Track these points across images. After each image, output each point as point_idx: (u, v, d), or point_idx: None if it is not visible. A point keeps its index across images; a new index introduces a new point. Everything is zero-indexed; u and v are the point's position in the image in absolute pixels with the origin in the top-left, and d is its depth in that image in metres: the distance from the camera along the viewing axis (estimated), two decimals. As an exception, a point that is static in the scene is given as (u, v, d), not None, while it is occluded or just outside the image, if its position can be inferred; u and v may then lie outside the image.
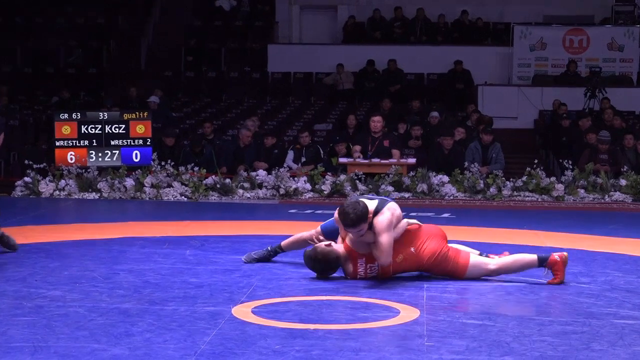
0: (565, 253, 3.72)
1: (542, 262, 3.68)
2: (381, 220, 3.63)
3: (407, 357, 2.62)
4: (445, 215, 6.38)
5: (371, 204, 3.72)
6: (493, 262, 3.73)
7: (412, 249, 3.74)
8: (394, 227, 3.69)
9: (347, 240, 3.78)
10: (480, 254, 3.87)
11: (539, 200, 7.55)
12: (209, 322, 3.00)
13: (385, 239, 3.63)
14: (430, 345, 2.75)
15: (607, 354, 2.69)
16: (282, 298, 3.45)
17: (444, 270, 3.75)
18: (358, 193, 7.60)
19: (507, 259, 3.76)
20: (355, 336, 2.87)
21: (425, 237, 3.77)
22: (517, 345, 2.76)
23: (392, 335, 2.90)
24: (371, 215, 3.66)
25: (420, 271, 3.82)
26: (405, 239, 3.76)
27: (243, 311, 3.18)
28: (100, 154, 7.95)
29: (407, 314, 3.18)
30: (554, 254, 3.70)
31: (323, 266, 3.79)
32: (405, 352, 2.67)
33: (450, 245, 3.82)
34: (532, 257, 3.75)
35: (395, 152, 8.14)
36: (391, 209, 3.70)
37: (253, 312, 3.18)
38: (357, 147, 8.10)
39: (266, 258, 4.15)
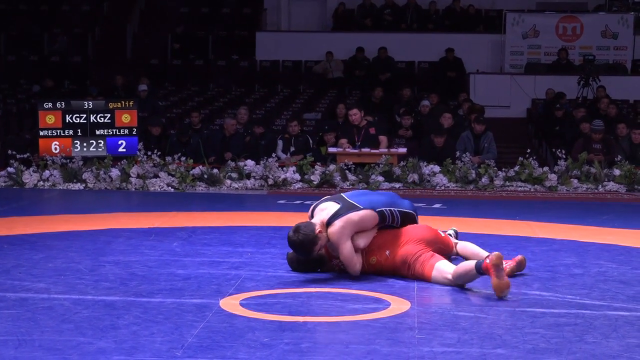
0: (496, 253, 3.22)
1: (479, 271, 3.30)
2: (331, 233, 3.53)
3: (398, 350, 2.58)
4: (437, 205, 6.35)
5: (329, 211, 3.56)
6: (451, 271, 3.45)
7: (387, 252, 3.61)
8: (355, 230, 3.55)
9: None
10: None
11: (532, 190, 7.52)
12: (196, 315, 2.95)
13: (343, 251, 3.55)
14: (421, 337, 2.72)
15: (600, 345, 2.66)
16: (271, 290, 3.41)
17: (414, 275, 3.57)
18: (347, 184, 7.55)
19: (459, 269, 3.44)
20: (345, 329, 2.83)
21: (403, 240, 3.61)
22: (510, 338, 2.74)
23: (382, 327, 2.86)
24: (321, 229, 3.52)
25: (396, 274, 3.62)
26: (382, 241, 3.63)
27: (231, 303, 3.14)
28: (85, 144, 7.85)
29: (398, 306, 3.14)
30: (486, 258, 3.25)
31: (305, 265, 3.71)
32: (395, 345, 2.64)
33: (427, 250, 3.58)
34: (471, 266, 3.32)
35: (382, 138, 8.11)
36: (344, 219, 3.53)
37: (241, 304, 3.14)
38: (344, 140, 8.06)
39: None
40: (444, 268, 3.49)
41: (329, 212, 3.59)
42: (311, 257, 3.60)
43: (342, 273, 3.71)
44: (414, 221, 3.79)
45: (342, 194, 3.78)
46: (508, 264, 3.64)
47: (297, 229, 3.51)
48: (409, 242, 3.61)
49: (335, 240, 3.54)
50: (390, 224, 3.70)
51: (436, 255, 3.58)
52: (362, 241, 3.61)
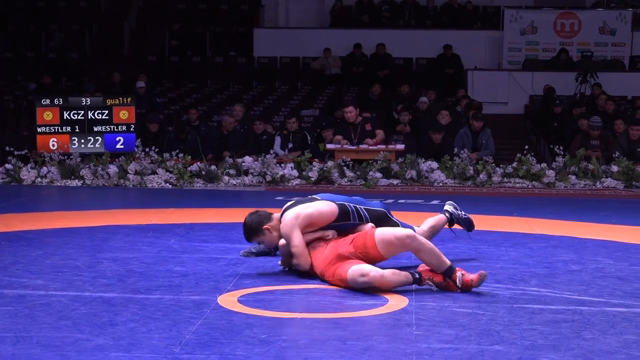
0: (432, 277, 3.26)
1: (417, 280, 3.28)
2: (283, 225, 3.50)
3: (396, 347, 2.58)
4: (435, 202, 6.35)
5: (286, 207, 3.55)
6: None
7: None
8: (308, 222, 3.45)
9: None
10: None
11: (530, 186, 7.53)
12: (194, 312, 2.95)
13: (293, 242, 3.45)
14: (419, 334, 2.72)
15: (598, 342, 2.66)
16: (269, 287, 3.40)
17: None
18: (345, 180, 7.55)
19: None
20: (343, 325, 2.82)
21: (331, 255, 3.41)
22: (507, 334, 2.73)
23: (380, 324, 2.86)
24: (269, 227, 3.52)
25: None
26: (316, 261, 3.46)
27: (229, 300, 3.14)
28: (82, 141, 7.84)
29: (396, 302, 3.14)
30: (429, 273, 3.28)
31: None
32: (393, 341, 2.64)
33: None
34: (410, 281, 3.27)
35: (379, 131, 8.11)
36: (296, 210, 3.49)
37: (239, 301, 3.14)
38: (339, 137, 8.06)
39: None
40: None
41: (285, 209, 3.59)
42: (249, 241, 3.67)
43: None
44: (388, 219, 3.66)
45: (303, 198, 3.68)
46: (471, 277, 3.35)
47: (256, 211, 3.61)
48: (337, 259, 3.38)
49: (286, 232, 3.49)
50: (356, 222, 3.57)
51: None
52: (309, 236, 3.49)
